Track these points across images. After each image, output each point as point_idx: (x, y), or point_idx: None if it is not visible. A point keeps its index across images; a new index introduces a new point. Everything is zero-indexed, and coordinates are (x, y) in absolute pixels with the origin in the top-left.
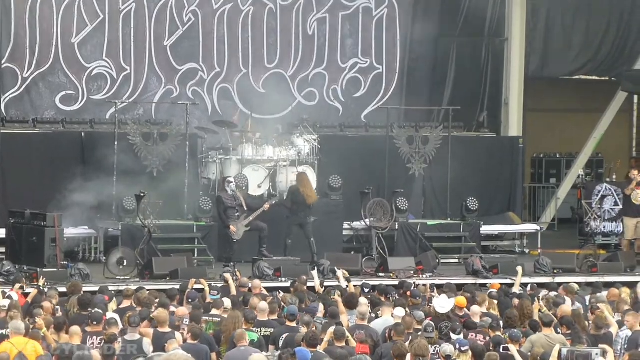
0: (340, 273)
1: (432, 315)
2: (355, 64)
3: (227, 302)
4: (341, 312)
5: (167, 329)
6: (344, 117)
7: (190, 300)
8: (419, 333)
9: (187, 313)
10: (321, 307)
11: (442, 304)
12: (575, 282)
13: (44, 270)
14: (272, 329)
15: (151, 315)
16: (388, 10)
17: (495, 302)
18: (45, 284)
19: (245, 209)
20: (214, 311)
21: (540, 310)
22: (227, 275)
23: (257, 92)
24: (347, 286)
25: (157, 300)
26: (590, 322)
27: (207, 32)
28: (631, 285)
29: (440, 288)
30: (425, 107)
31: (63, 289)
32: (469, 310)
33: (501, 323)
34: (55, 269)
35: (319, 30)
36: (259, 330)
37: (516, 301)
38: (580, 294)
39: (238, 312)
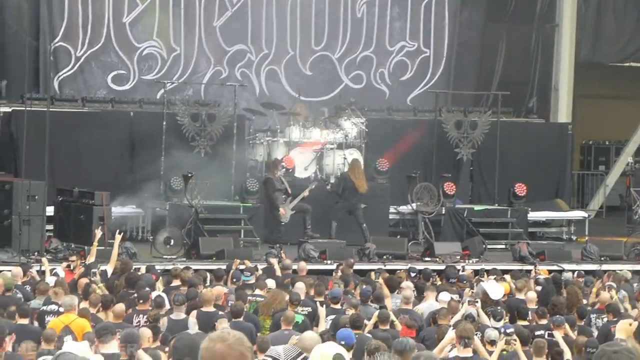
0: None
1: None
2: (403, 47)
3: (271, 283)
4: (386, 296)
5: (211, 309)
6: (390, 100)
7: (235, 280)
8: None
9: (222, 292)
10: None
11: (494, 289)
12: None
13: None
14: (310, 309)
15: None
16: None
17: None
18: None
19: (289, 192)
20: (257, 291)
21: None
22: (272, 259)
23: (304, 74)
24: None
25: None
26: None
27: (256, 14)
28: None
29: (488, 273)
30: (474, 92)
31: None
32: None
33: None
34: (102, 247)
35: (368, 13)
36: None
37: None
38: (630, 282)
39: (281, 290)
